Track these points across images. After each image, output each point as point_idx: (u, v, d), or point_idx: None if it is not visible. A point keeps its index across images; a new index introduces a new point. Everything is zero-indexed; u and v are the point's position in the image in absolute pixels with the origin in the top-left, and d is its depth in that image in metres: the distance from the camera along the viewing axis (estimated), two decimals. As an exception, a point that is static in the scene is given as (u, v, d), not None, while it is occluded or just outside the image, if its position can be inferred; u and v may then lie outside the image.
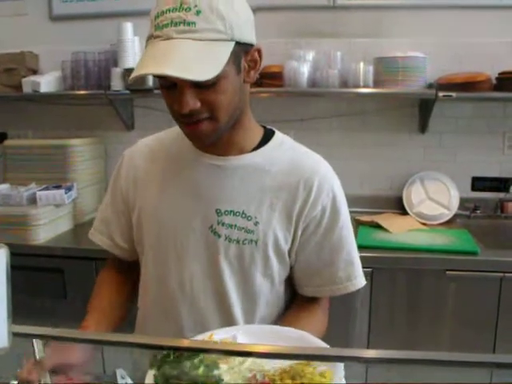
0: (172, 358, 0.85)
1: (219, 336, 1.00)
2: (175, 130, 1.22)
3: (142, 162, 1.24)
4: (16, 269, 2.19)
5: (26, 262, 2.22)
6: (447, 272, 2.02)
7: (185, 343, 0.70)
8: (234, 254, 1.13)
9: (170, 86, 1.00)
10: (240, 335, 1.01)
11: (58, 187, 2.36)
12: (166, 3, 0.96)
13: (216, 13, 0.95)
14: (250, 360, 0.89)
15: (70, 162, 2.51)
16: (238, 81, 1.04)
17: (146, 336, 1.15)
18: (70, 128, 2.82)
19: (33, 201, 2.32)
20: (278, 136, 1.21)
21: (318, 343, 0.97)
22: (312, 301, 1.22)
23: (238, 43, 0.99)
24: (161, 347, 0.66)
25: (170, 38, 0.94)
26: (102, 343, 0.69)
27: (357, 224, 2.46)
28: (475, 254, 2.04)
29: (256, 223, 1.12)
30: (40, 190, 2.33)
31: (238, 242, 1.12)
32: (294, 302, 1.24)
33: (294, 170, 1.15)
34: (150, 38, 0.98)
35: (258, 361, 0.89)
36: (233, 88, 1.03)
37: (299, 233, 1.15)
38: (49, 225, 2.29)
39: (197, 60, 0.93)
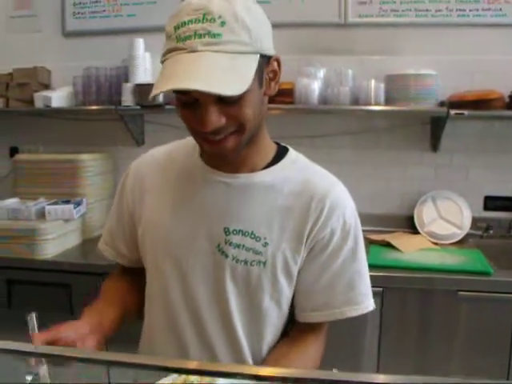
0: None
1: None
2: (185, 143, 1.21)
3: (149, 174, 1.21)
4: (23, 283, 2.19)
5: (33, 277, 2.22)
6: (459, 292, 1.99)
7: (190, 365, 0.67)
8: (241, 275, 1.09)
9: (190, 103, 0.95)
10: None
11: (67, 202, 2.36)
12: (187, 14, 0.91)
13: (241, 24, 0.92)
14: None
15: (80, 177, 2.51)
16: (260, 94, 1.01)
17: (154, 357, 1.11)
18: (81, 143, 2.82)
19: (42, 215, 2.32)
20: (292, 154, 1.17)
21: None
22: (306, 331, 1.16)
23: (261, 55, 0.97)
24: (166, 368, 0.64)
25: (195, 50, 0.90)
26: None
27: (368, 243, 2.43)
28: (488, 275, 2.00)
29: (265, 244, 1.08)
30: (49, 205, 2.33)
31: (245, 263, 1.08)
32: (289, 332, 1.18)
33: (306, 191, 1.11)
34: (171, 50, 0.93)
35: None
36: (256, 101, 0.99)
37: (305, 254, 1.11)
38: (57, 239, 2.28)
39: (225, 74, 0.90)
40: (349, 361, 2.07)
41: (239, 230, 1.09)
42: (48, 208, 2.31)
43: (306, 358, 1.11)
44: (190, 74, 0.89)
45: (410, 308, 2.07)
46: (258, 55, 0.96)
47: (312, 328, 1.16)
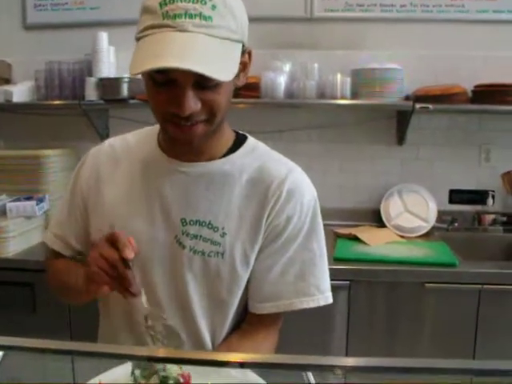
0: None
1: None
2: (142, 132, 1.19)
3: (106, 164, 1.17)
4: (-15, 282, 2.09)
5: (-6, 276, 2.16)
6: (426, 284, 2.00)
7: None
8: (199, 266, 1.07)
9: (165, 83, 0.92)
10: None
11: (29, 199, 2.30)
12: None
13: (229, 10, 0.91)
14: None
15: (43, 173, 2.44)
16: (233, 83, 1.00)
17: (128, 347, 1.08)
18: (44, 138, 2.75)
19: (3, 213, 2.25)
20: (250, 142, 1.16)
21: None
22: (258, 323, 1.13)
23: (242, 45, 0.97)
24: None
25: (186, 30, 0.87)
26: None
27: (335, 237, 2.43)
28: (454, 266, 2.02)
29: (223, 234, 1.06)
30: (10, 202, 2.27)
31: (203, 253, 1.06)
32: (241, 324, 1.16)
33: (264, 178, 1.09)
34: (154, 27, 0.89)
35: None
36: (230, 90, 0.99)
37: (261, 240, 1.08)
38: (19, 237, 2.22)
39: (217, 59, 0.88)
40: (317, 353, 2.07)
41: (196, 221, 1.07)
42: (9, 205, 2.24)
43: (254, 352, 1.09)
44: (185, 54, 0.86)
45: (377, 301, 2.08)
46: (241, 44, 0.95)
47: (263, 320, 1.14)
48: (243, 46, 0.97)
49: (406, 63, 2.45)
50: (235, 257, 1.07)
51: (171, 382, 0.83)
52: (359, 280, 2.05)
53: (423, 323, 2.05)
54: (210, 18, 0.88)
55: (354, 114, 2.64)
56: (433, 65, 2.55)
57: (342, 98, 2.40)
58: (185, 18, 0.87)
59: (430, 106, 2.31)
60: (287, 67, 2.48)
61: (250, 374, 0.88)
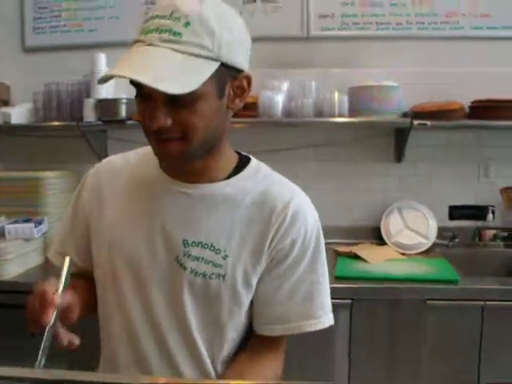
0: None
1: None
2: (144, 151, 1.17)
3: (107, 183, 1.16)
4: (-19, 306, 2.06)
5: (-8, 299, 2.14)
6: (427, 301, 1.99)
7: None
8: (200, 288, 1.06)
9: (145, 96, 0.94)
10: None
11: (27, 221, 2.29)
12: (158, 9, 0.93)
13: (206, 28, 0.91)
14: None
15: (42, 195, 2.44)
16: (218, 105, 0.98)
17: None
18: (42, 160, 2.74)
19: (1, 235, 2.23)
20: (253, 164, 1.14)
21: None
22: (265, 343, 1.13)
23: (224, 65, 0.94)
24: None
25: (152, 44, 0.90)
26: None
27: (335, 255, 2.42)
28: (455, 283, 2.01)
29: (225, 257, 1.05)
30: (9, 224, 2.26)
31: (204, 275, 1.05)
32: (247, 345, 1.15)
33: (268, 201, 1.08)
34: (134, 42, 0.94)
35: None
36: (211, 112, 0.96)
37: (264, 263, 1.08)
38: (17, 259, 2.20)
39: (174, 72, 0.88)
40: (319, 373, 2.05)
41: (198, 242, 1.06)
42: (8, 227, 2.23)
43: (264, 375, 1.08)
44: (139, 66, 0.89)
45: (379, 319, 2.05)
46: (219, 63, 0.93)
47: (270, 341, 1.13)
48: (229, 68, 0.96)
49: (403, 80, 2.46)
50: (236, 279, 1.06)
51: None
52: (360, 298, 2.04)
53: (425, 340, 2.02)
54: (179, 34, 0.90)
55: (352, 132, 2.65)
56: (429, 82, 2.55)
57: (340, 115, 2.41)
58: (155, 33, 0.91)
59: (428, 123, 2.32)
60: (285, 86, 2.50)
61: None
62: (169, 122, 0.94)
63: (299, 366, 1.94)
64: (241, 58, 0.99)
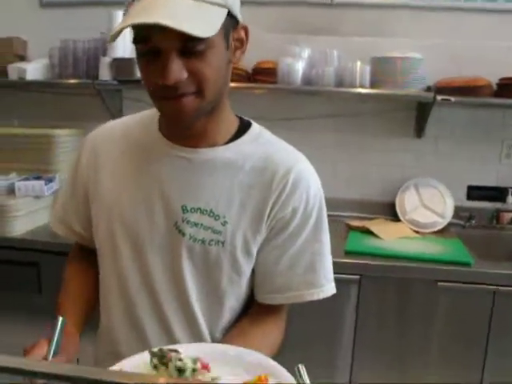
0: None
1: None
2: (143, 115, 1.15)
3: (105, 148, 1.14)
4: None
5: (1, 256, 2.14)
6: (439, 283, 1.94)
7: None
8: (199, 254, 1.04)
9: (151, 54, 0.90)
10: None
11: (38, 178, 2.28)
12: None
13: None
14: None
15: (54, 153, 2.42)
16: (225, 57, 0.96)
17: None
18: (56, 118, 2.72)
19: (11, 191, 2.23)
20: (255, 129, 1.11)
21: (260, 359, 0.89)
22: (267, 311, 1.12)
23: (229, 14, 0.92)
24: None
25: None
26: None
27: (347, 229, 2.38)
28: (468, 266, 1.96)
29: (224, 223, 1.03)
30: (19, 181, 2.25)
31: (203, 242, 1.03)
32: (248, 312, 1.14)
33: (269, 167, 1.05)
34: None
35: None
36: (220, 63, 0.94)
37: (264, 232, 1.06)
38: (26, 217, 2.20)
39: (191, 16, 0.85)
40: (324, 350, 2.04)
41: (197, 208, 1.04)
42: (18, 184, 2.22)
43: (265, 341, 1.07)
44: (156, 11, 0.84)
45: (388, 297, 2.02)
46: (226, 11, 0.91)
47: (272, 310, 1.12)
48: (232, 17, 0.94)
49: (429, 53, 2.37)
50: (236, 246, 1.04)
51: (190, 366, 0.83)
52: (370, 275, 2.00)
53: (434, 323, 1.99)
54: None
55: (372, 104, 2.57)
56: (457, 56, 2.46)
57: (361, 86, 2.33)
58: None
59: (452, 99, 2.23)
60: (306, 53, 2.41)
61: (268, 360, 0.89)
62: (185, 74, 0.90)
63: (304, 340, 1.94)
64: (238, 7, 0.97)
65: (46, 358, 0.88)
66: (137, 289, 1.08)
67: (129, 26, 0.84)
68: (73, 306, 1.13)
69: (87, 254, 1.23)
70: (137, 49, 0.93)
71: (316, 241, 1.09)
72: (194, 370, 0.83)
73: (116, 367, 0.86)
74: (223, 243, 1.03)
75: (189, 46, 0.87)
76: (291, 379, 0.81)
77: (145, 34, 0.88)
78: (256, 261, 1.09)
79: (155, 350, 0.87)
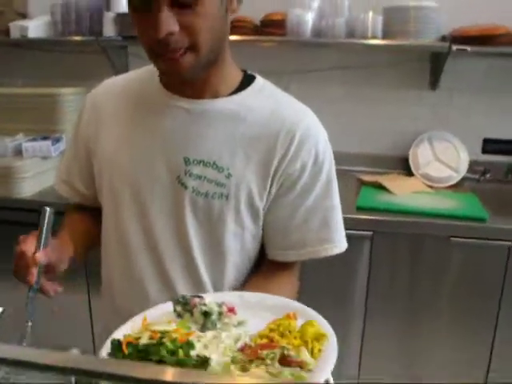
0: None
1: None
2: (144, 69, 1.11)
3: (105, 105, 1.11)
4: (-1, 223, 2.07)
5: (9, 216, 2.14)
6: (452, 239, 1.91)
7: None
8: (202, 208, 1.02)
9: (141, 7, 0.87)
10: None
11: (45, 138, 2.25)
12: None
13: None
14: (224, 334, 0.81)
15: (59, 113, 2.38)
16: (220, 7, 0.91)
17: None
18: (62, 76, 2.67)
19: (18, 152, 2.21)
20: (259, 81, 1.08)
21: (283, 301, 0.92)
22: (279, 268, 1.10)
23: None
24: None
25: None
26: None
27: (359, 184, 2.34)
28: (483, 221, 1.92)
29: (228, 175, 1.00)
30: (27, 142, 2.22)
31: (206, 195, 1.01)
32: (260, 269, 1.12)
33: (274, 120, 1.02)
34: None
35: (234, 331, 0.83)
36: (214, 13, 0.90)
37: (274, 190, 1.04)
38: (34, 178, 2.19)
39: None
40: (337, 306, 2.04)
41: (200, 161, 1.01)
42: (25, 145, 2.20)
43: (281, 293, 1.05)
44: None
45: (400, 253, 2.00)
46: None
47: (284, 266, 1.11)
48: None
49: (444, 1, 2.27)
50: (240, 199, 1.02)
51: (216, 309, 0.84)
52: (382, 231, 1.98)
53: (446, 279, 1.97)
54: None
55: (385, 55, 2.49)
56: (473, 3, 2.34)
57: (373, 37, 2.25)
58: None
59: (468, 48, 2.15)
60: (315, 3, 2.33)
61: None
62: (176, 27, 0.87)
63: (317, 294, 1.93)
64: None
65: (35, 252, 0.92)
66: (138, 244, 1.07)
67: None
68: (71, 233, 1.12)
69: (89, 209, 1.21)
70: (129, 3, 0.89)
71: (328, 196, 1.07)
72: (220, 314, 0.84)
73: (139, 317, 0.86)
74: (227, 197, 1.01)
75: None
76: (319, 318, 0.83)
77: None
78: (267, 218, 1.07)
79: (178, 298, 0.87)
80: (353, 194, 2.16)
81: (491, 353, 1.98)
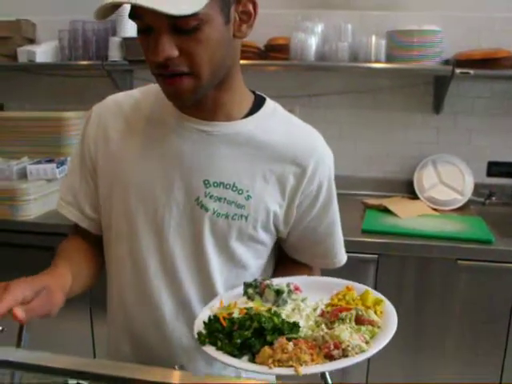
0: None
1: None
2: (152, 88, 1.09)
3: (113, 122, 1.08)
4: (4, 245, 2.09)
5: (14, 239, 2.14)
6: (458, 261, 1.90)
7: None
8: (221, 229, 1.02)
9: (147, 31, 0.87)
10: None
11: (50, 161, 2.26)
12: None
13: None
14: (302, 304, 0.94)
15: (65, 136, 2.39)
16: (225, 32, 0.90)
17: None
18: (68, 101, 2.70)
19: (23, 175, 2.22)
20: (270, 103, 1.08)
21: (334, 280, 1.01)
22: (304, 265, 1.18)
23: None
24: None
25: None
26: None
27: (364, 207, 2.33)
28: (489, 243, 1.91)
29: (248, 197, 1.02)
30: (31, 164, 2.23)
31: (226, 216, 1.01)
32: (283, 264, 1.19)
33: (290, 143, 1.04)
34: None
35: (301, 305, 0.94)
36: (217, 39, 0.89)
37: (294, 209, 1.06)
38: (39, 200, 2.18)
39: None
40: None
41: (220, 183, 1.01)
42: (30, 167, 2.21)
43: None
44: None
45: (406, 277, 1.98)
46: None
47: (304, 264, 1.18)
48: None
49: (447, 25, 2.30)
50: (258, 219, 1.03)
51: (286, 288, 0.95)
52: (388, 254, 1.96)
53: (454, 302, 1.95)
54: None
55: (389, 79, 2.51)
56: (475, 27, 2.38)
57: (377, 61, 2.28)
58: None
59: (471, 72, 2.16)
60: (319, 28, 2.36)
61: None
62: (175, 52, 0.86)
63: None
64: None
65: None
66: (155, 267, 1.05)
67: (108, 4, 0.82)
68: (71, 267, 1.04)
69: (92, 241, 1.16)
70: (137, 25, 0.90)
71: (335, 211, 1.14)
72: (289, 292, 0.95)
73: (216, 301, 0.96)
74: (246, 217, 1.02)
75: (179, 23, 0.83)
76: (370, 289, 0.96)
77: (138, 11, 0.84)
78: (293, 234, 1.11)
79: (249, 282, 0.98)
80: (358, 218, 2.15)
81: (501, 377, 1.95)
